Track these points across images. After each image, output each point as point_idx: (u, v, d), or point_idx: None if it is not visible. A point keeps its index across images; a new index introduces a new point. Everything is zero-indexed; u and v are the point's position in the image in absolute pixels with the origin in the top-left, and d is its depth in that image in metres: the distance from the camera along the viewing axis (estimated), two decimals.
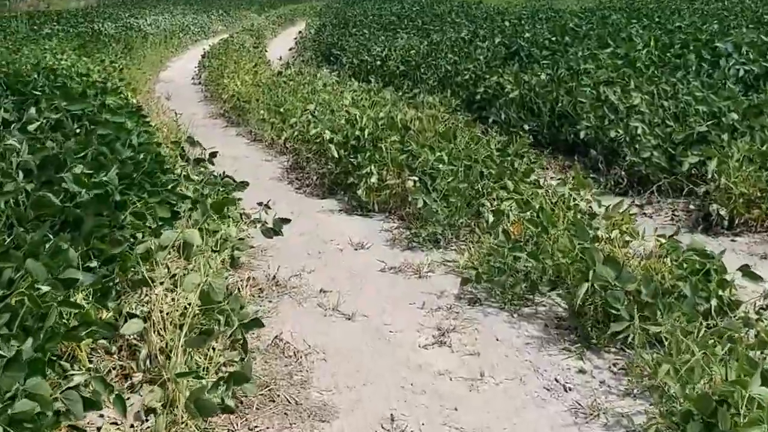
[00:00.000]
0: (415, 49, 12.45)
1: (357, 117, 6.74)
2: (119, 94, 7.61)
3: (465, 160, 5.66)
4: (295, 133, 8.13)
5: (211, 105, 12.90)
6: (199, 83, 15.22)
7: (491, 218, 5.27)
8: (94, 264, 3.63)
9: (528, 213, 4.80)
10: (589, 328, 3.88)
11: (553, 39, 10.43)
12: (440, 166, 5.64)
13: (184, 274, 3.56)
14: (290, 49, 21.42)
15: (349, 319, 4.24)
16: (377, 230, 5.86)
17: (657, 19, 11.73)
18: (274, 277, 4.80)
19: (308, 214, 6.37)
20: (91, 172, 3.88)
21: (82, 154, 4.11)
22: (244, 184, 5.77)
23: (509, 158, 5.84)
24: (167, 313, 3.52)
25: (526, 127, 8.35)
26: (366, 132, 6.56)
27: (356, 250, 5.45)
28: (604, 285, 3.76)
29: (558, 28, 11.15)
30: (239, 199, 5.94)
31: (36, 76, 7.54)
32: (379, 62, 13.43)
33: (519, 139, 6.48)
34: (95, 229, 3.57)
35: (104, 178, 3.86)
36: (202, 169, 6.86)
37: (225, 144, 9.38)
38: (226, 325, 3.42)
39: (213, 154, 6.80)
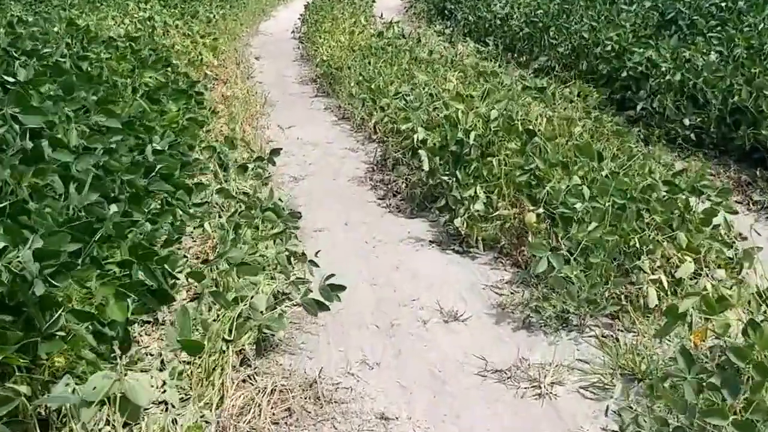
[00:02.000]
0: (542, 8, 10.39)
1: (460, 115, 4.95)
2: (165, 68, 6.08)
3: (616, 195, 3.82)
4: (385, 119, 6.44)
5: (306, 66, 11.34)
6: (299, 38, 13.66)
7: (652, 295, 3.49)
8: None
9: (721, 315, 2.95)
10: None
11: (723, 4, 8.17)
12: (577, 203, 3.84)
13: None
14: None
15: None
16: (480, 285, 4.13)
17: None
18: (314, 382, 3.16)
19: (388, 245, 4.71)
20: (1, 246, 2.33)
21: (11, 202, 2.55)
22: (294, 216, 4.15)
23: (683, 193, 3.95)
24: None
25: (687, 121, 6.38)
26: (472, 135, 4.78)
27: (446, 322, 3.74)
28: None
29: None
30: (293, 226, 4.35)
31: (68, 41, 6.10)
32: (498, 21, 11.50)
33: (699, 165, 4.56)
34: None
35: (19, 258, 2.30)
36: (260, 170, 5.31)
37: (309, 121, 7.84)
38: None
39: (274, 152, 5.27)
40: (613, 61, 7.67)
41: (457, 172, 4.65)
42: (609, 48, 7.84)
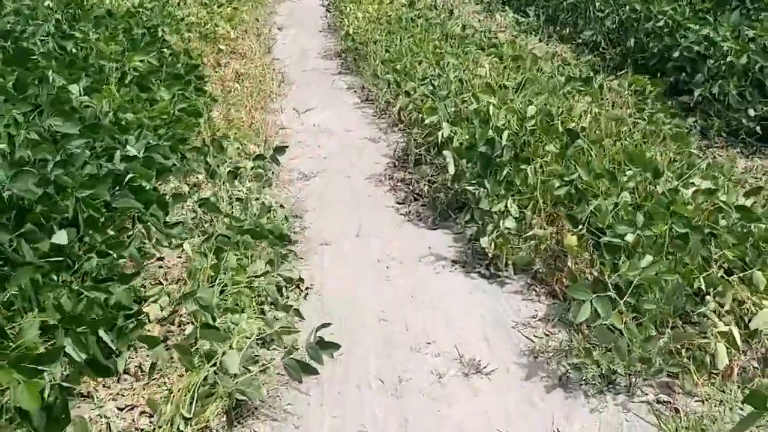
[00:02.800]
0: None
1: (492, 111, 4.24)
2: (160, 49, 5.44)
3: (677, 222, 3.12)
4: (410, 105, 5.75)
5: (332, 38, 10.61)
6: (327, 5, 12.91)
7: (722, 352, 2.81)
8: None
9: None
10: None
11: None
12: (628, 233, 3.14)
13: None
14: None
15: None
16: (509, 322, 3.47)
17: None
18: None
19: (404, 265, 4.05)
20: None
21: None
22: (284, 240, 3.51)
23: (759, 219, 3.23)
24: None
25: (751, 112, 5.59)
26: (505, 135, 4.08)
27: (466, 376, 3.09)
28: None
29: None
30: (288, 249, 3.74)
31: (58, 17, 5.49)
32: None
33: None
34: None
35: None
36: (259, 171, 4.69)
37: (328, 103, 7.16)
38: None
39: (278, 150, 4.62)
40: (666, 38, 6.84)
41: (486, 180, 3.96)
42: (662, 23, 7.00)
